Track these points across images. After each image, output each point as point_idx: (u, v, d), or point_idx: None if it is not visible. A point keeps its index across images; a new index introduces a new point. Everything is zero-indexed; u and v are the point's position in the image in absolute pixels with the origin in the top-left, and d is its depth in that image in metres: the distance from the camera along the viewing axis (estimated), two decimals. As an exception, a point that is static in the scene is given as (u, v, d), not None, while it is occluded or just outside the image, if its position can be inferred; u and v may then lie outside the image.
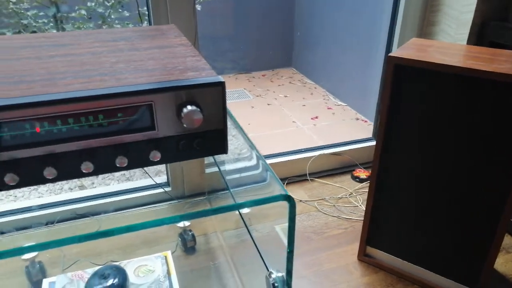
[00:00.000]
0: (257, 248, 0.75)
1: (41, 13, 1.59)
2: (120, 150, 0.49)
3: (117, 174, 1.80)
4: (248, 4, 3.24)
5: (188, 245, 1.12)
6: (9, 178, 0.45)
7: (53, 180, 0.47)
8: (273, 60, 3.43)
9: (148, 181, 1.52)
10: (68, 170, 0.47)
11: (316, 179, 1.48)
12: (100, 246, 1.14)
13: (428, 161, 0.88)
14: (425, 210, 0.93)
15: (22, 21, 1.53)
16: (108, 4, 1.47)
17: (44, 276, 1.01)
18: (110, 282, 0.84)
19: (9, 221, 1.20)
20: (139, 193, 1.38)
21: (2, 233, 1.15)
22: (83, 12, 1.42)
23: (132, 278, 0.91)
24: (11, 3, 1.54)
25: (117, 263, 0.94)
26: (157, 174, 1.90)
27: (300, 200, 1.39)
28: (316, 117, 2.46)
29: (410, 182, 0.92)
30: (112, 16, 1.62)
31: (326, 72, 2.98)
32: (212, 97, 0.50)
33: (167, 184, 1.40)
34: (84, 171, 0.47)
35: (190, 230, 1.14)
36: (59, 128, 0.46)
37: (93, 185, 1.73)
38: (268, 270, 0.67)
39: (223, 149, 0.54)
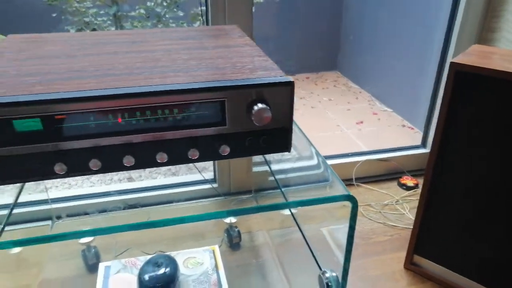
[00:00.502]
0: (310, 248, 0.76)
1: (101, 12, 1.67)
2: (192, 143, 0.51)
3: (163, 168, 1.86)
4: (294, 6, 3.24)
5: (233, 241, 1.15)
6: (93, 163, 0.48)
7: (130, 168, 0.50)
8: (318, 62, 3.42)
9: (193, 177, 1.56)
10: (144, 159, 0.50)
11: (362, 184, 1.47)
12: (150, 236, 1.19)
13: (490, 168, 0.85)
14: (484, 219, 0.90)
15: (84, 19, 1.61)
16: (165, 4, 1.53)
17: (99, 260, 1.06)
18: (162, 270, 0.88)
19: (65, 207, 1.27)
20: (185, 188, 1.42)
21: (61, 217, 1.22)
22: (142, 11, 1.49)
23: (181, 268, 0.94)
24: (75, 1, 1.63)
25: (167, 253, 0.97)
26: (202, 170, 1.94)
27: (344, 205, 1.38)
28: (361, 122, 2.44)
29: (467, 189, 0.90)
30: (167, 16, 1.68)
31: (373, 76, 2.93)
32: (281, 96, 0.52)
33: (213, 180, 1.43)
34: (159, 161, 0.50)
35: (236, 227, 1.17)
36: (137, 119, 0.49)
37: (141, 178, 1.79)
38: (321, 270, 0.67)
39: (287, 147, 0.56)
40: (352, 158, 1.50)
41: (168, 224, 0.60)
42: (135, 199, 1.37)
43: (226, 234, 1.16)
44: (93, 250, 1.08)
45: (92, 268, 1.06)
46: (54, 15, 1.60)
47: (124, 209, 1.33)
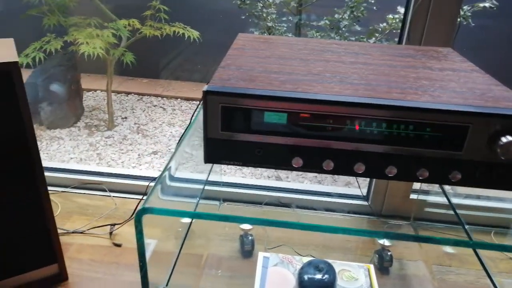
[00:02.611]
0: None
1: (284, 18, 1.78)
2: (423, 163, 0.51)
3: (310, 174, 1.90)
4: (480, 35, 2.99)
5: (384, 264, 1.11)
6: (326, 164, 0.52)
7: (360, 175, 0.52)
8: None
9: (340, 189, 1.56)
10: (374, 169, 0.52)
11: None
12: (299, 237, 1.22)
13: None
14: None
15: (267, 23, 1.74)
16: (346, 18, 1.56)
17: (253, 248, 1.13)
18: (322, 275, 0.89)
19: (226, 191, 1.38)
20: (331, 199, 1.43)
21: (226, 200, 1.34)
22: (328, 22, 1.54)
23: (337, 279, 0.95)
24: (263, 7, 1.76)
25: (328, 260, 0.98)
26: (346, 185, 1.93)
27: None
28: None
29: None
30: (343, 29, 1.71)
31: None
32: (532, 131, 0.48)
33: (365, 198, 1.41)
34: (388, 174, 0.51)
35: (389, 251, 1.13)
36: (373, 129, 0.51)
37: (288, 179, 1.86)
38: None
39: (519, 186, 0.52)
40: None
41: (334, 232, 0.61)
42: (282, 198, 1.42)
43: (377, 255, 1.13)
44: (250, 238, 1.15)
45: (246, 254, 1.13)
46: (243, 17, 1.76)
47: (276, 205, 1.39)
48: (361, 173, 0.51)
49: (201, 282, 1.04)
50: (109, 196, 1.39)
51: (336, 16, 1.51)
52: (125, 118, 2.47)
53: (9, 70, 0.75)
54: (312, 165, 0.52)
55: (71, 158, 2.02)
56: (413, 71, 0.63)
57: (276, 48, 0.72)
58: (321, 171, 0.52)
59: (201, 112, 0.52)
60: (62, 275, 1.01)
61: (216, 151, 0.54)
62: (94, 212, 1.30)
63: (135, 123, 2.41)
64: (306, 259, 1.01)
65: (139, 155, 2.07)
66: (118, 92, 2.83)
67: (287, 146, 0.53)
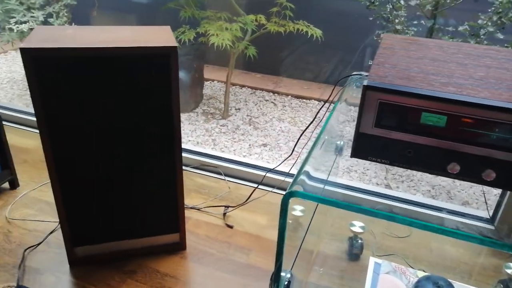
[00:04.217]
0: None
1: (415, 22, 1.70)
2: None
3: (423, 188, 1.80)
4: None
5: (509, 296, 1.01)
6: (486, 173, 0.49)
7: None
8: None
9: (460, 207, 1.45)
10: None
11: None
12: (410, 250, 1.16)
13: None
14: None
15: (396, 26, 1.68)
16: (490, 24, 1.43)
17: (361, 252, 1.11)
18: (440, 293, 0.84)
19: (337, 192, 1.38)
20: (451, 216, 1.34)
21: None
22: (468, 27, 1.44)
23: (455, 299, 0.89)
24: (392, 8, 1.70)
25: (450, 280, 0.93)
26: (463, 204, 1.79)
27: None
28: None
29: None
30: (482, 36, 1.58)
31: None
32: None
33: (490, 220, 1.29)
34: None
35: (516, 282, 1.02)
36: (546, 143, 0.47)
37: (398, 189, 1.78)
38: None
39: None
40: None
41: (465, 239, 0.57)
42: (394, 208, 1.37)
43: (501, 285, 1.03)
44: (360, 241, 1.13)
45: (353, 257, 1.12)
46: (370, 18, 1.73)
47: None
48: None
49: (310, 278, 1.05)
50: (224, 179, 1.47)
51: (479, 21, 1.39)
52: (239, 109, 2.58)
53: (169, 53, 0.84)
54: (470, 173, 0.50)
55: (189, 141, 2.18)
56: None
57: (427, 50, 0.69)
58: (479, 181, 0.49)
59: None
60: (182, 245, 1.10)
61: (365, 147, 0.54)
62: (209, 192, 1.39)
63: (247, 115, 2.51)
64: (420, 273, 0.97)
65: (249, 145, 2.15)
66: (233, 84, 2.98)
67: (443, 150, 0.51)
